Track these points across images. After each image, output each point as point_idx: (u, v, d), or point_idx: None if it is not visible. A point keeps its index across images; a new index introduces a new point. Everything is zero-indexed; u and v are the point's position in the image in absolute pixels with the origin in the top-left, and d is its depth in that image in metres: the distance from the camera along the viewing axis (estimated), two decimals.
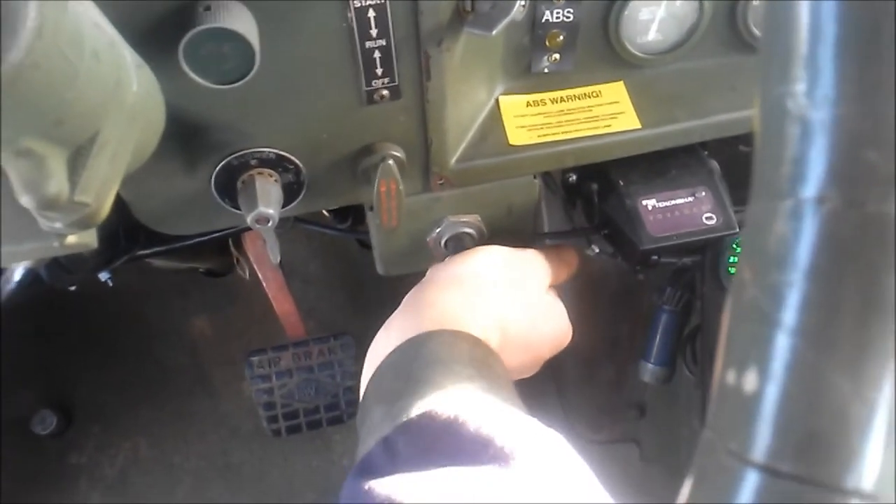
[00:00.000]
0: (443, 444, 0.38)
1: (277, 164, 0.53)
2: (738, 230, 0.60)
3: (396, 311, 0.54)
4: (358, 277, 1.53)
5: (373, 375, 0.48)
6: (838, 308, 0.20)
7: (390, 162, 0.53)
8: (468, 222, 0.63)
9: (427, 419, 0.40)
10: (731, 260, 0.81)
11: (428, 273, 0.61)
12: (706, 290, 0.88)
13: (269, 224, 0.51)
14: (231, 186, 0.53)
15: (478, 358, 0.47)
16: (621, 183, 0.63)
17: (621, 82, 0.60)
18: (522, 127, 0.58)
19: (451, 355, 0.46)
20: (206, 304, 1.52)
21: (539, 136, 0.58)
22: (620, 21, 0.56)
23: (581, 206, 0.72)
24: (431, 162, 0.56)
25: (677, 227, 0.60)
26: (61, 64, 0.29)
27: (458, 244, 0.63)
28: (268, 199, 0.51)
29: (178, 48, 0.41)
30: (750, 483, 0.21)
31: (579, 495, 0.37)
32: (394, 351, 0.48)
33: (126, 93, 0.36)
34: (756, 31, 0.58)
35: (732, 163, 0.65)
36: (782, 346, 0.21)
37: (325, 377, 1.21)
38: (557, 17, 0.55)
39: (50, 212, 0.34)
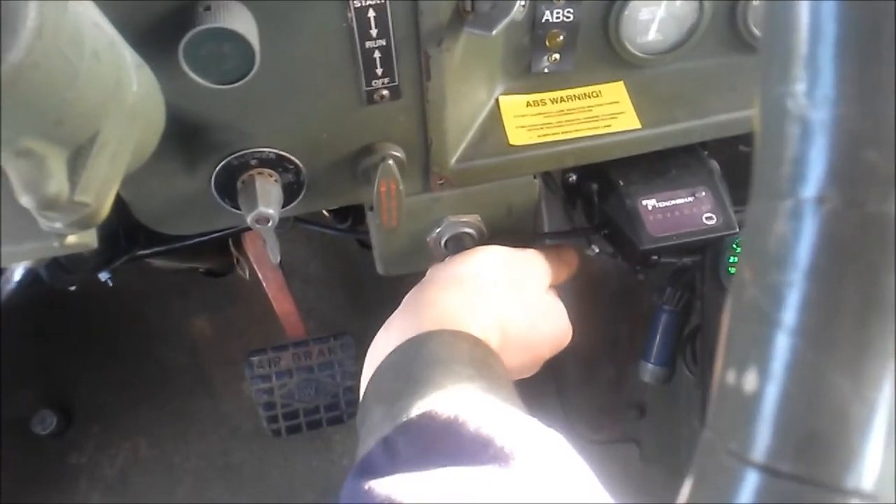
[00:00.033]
0: (443, 444, 0.38)
1: (277, 164, 0.53)
2: (738, 230, 0.60)
3: (396, 312, 0.54)
4: (358, 277, 1.53)
5: (373, 375, 0.48)
6: (838, 308, 0.20)
7: (390, 162, 0.53)
8: (468, 222, 0.63)
9: (427, 419, 0.40)
10: (731, 260, 0.81)
11: (428, 273, 0.61)
12: (706, 290, 0.88)
13: (269, 224, 0.51)
14: (231, 186, 0.53)
15: (478, 358, 0.47)
16: (621, 183, 0.63)
17: (621, 82, 0.60)
18: (522, 127, 0.58)
19: (451, 355, 0.46)
20: (206, 304, 1.52)
21: (539, 136, 0.58)
22: (620, 21, 0.56)
23: (581, 206, 0.72)
24: (431, 162, 0.56)
25: (677, 227, 0.60)
26: (61, 64, 0.29)
27: (458, 244, 0.63)
28: (268, 199, 0.51)
29: (178, 48, 0.41)
30: (750, 483, 0.21)
31: (579, 495, 0.37)
32: (394, 351, 0.48)
33: (126, 93, 0.36)
34: (756, 31, 0.58)
35: (732, 163, 0.65)
36: (782, 346, 0.21)
37: (325, 377, 1.21)
38: (557, 17, 0.55)
39: (50, 212, 0.34)
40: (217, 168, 0.52)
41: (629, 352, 1.20)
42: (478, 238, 0.64)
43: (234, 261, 1.15)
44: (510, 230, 0.65)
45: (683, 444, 1.11)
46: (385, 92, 0.50)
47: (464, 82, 0.54)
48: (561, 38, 0.56)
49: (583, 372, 1.33)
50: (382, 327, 0.53)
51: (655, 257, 0.62)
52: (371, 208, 0.60)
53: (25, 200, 0.33)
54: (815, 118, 0.20)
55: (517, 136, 0.58)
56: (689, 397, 1.04)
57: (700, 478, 0.23)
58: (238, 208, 0.53)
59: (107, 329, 1.48)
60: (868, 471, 0.20)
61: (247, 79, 0.43)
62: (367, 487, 0.37)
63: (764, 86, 0.22)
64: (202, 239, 0.76)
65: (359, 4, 0.45)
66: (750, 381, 0.21)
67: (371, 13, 0.46)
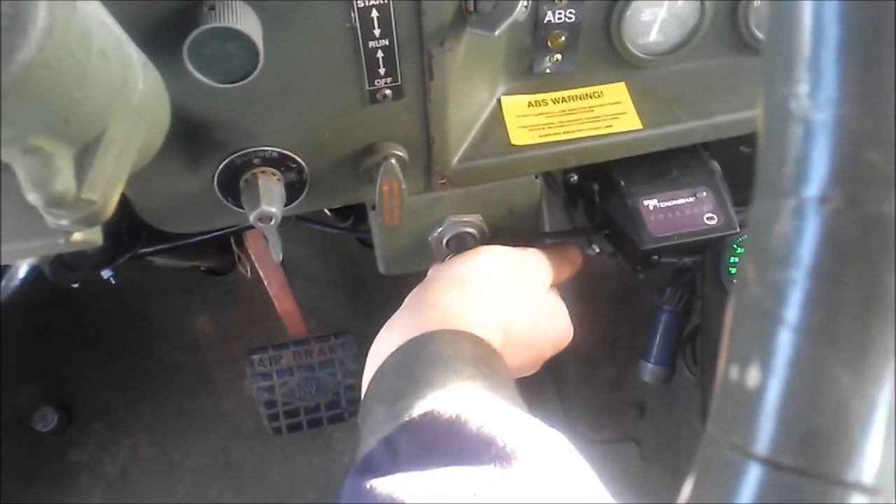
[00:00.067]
0: (444, 443, 0.39)
1: (280, 162, 0.53)
2: (738, 230, 0.61)
3: (398, 311, 0.54)
4: (359, 276, 1.53)
5: (374, 375, 0.48)
6: (840, 305, 0.20)
7: (392, 161, 0.53)
8: (470, 222, 0.63)
9: (429, 419, 0.40)
10: (732, 260, 0.82)
11: (429, 273, 0.61)
12: (706, 291, 0.88)
13: (272, 222, 0.51)
14: (234, 185, 0.53)
15: (480, 357, 0.47)
16: (623, 183, 0.63)
17: (623, 83, 0.60)
18: (524, 127, 0.58)
19: (453, 355, 0.46)
20: (207, 303, 1.52)
21: (541, 136, 0.58)
22: (622, 22, 0.56)
23: (582, 206, 0.72)
24: (433, 161, 0.57)
25: (678, 227, 0.61)
26: (70, 63, 0.29)
27: (460, 244, 0.63)
28: (270, 198, 0.51)
29: (183, 47, 0.41)
30: (752, 476, 0.21)
31: (580, 495, 0.37)
32: (396, 351, 0.48)
33: (132, 91, 0.36)
34: (757, 32, 0.58)
35: (734, 163, 0.65)
36: (784, 342, 0.21)
37: (326, 375, 1.21)
38: (559, 18, 0.55)
39: (57, 209, 0.34)
40: (220, 167, 0.52)
41: (629, 351, 1.20)
42: (479, 238, 0.64)
43: (236, 259, 1.15)
44: (512, 230, 0.65)
45: (683, 443, 1.11)
46: (388, 91, 0.51)
47: (466, 82, 0.54)
48: (563, 38, 0.56)
49: (583, 371, 1.33)
50: (384, 327, 0.53)
51: (656, 257, 0.62)
52: (373, 207, 0.60)
53: (33, 198, 0.33)
54: (818, 119, 0.21)
55: (519, 136, 0.58)
56: (689, 397, 1.05)
57: (703, 471, 0.23)
58: (241, 207, 0.53)
59: (108, 327, 1.48)
60: (868, 465, 0.20)
61: (250, 78, 0.43)
62: (368, 486, 0.37)
63: (767, 87, 0.22)
64: (204, 237, 0.76)
65: (362, 4, 0.46)
66: (753, 376, 0.21)
67: (374, 13, 0.46)
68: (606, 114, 0.59)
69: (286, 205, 0.54)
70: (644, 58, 0.59)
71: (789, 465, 0.21)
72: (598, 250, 0.75)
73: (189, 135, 0.49)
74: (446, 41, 0.49)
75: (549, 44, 0.56)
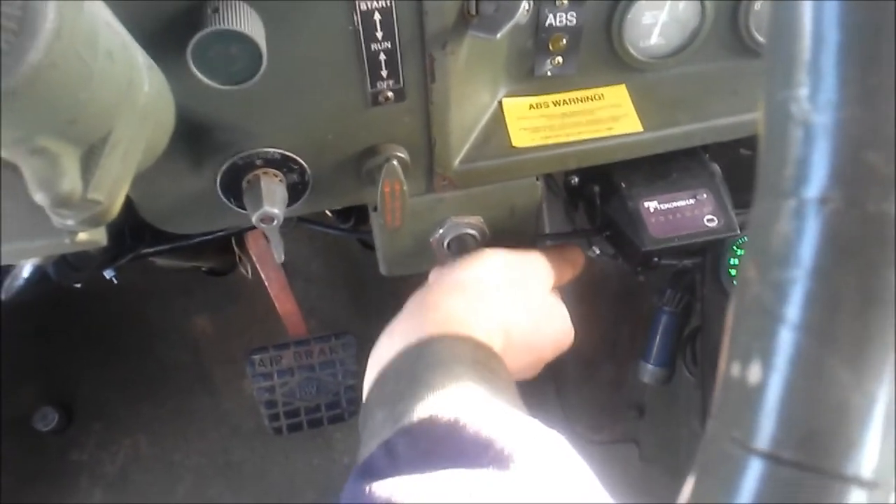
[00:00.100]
0: (443, 446, 0.39)
1: (282, 164, 0.53)
2: (738, 232, 0.61)
3: (399, 316, 0.54)
4: (360, 277, 1.53)
5: (375, 379, 0.49)
6: (839, 303, 0.21)
7: (394, 163, 0.53)
8: (471, 223, 0.63)
9: (428, 423, 0.40)
10: (732, 262, 0.82)
11: (430, 277, 0.61)
12: (706, 292, 0.89)
13: (274, 223, 0.52)
14: (236, 186, 0.53)
15: (480, 361, 0.47)
16: (623, 185, 0.63)
17: (623, 86, 0.60)
18: (525, 129, 0.58)
19: (453, 359, 0.46)
20: (207, 303, 1.52)
21: (542, 139, 0.58)
22: (623, 25, 0.56)
23: (583, 207, 0.72)
24: (435, 163, 0.57)
25: (679, 228, 0.61)
26: (77, 64, 0.30)
27: (461, 245, 0.64)
28: (273, 199, 0.52)
29: (187, 49, 0.41)
30: (753, 470, 0.22)
31: (579, 496, 0.37)
32: (396, 355, 0.48)
33: (138, 93, 0.36)
34: (757, 36, 0.59)
35: (734, 166, 0.65)
36: (785, 339, 0.21)
37: (327, 376, 1.21)
38: (561, 21, 0.55)
39: (63, 209, 0.34)
40: (223, 168, 0.52)
41: (629, 352, 1.20)
42: (480, 239, 0.64)
43: (237, 260, 1.15)
44: (512, 231, 0.65)
45: (683, 444, 1.11)
46: (390, 94, 0.51)
47: (467, 85, 0.55)
48: (564, 41, 0.56)
49: (583, 372, 1.33)
50: (385, 331, 0.53)
51: (657, 259, 0.63)
52: (375, 209, 0.61)
53: (40, 198, 0.33)
54: (818, 122, 0.21)
55: (520, 138, 0.58)
56: (689, 398, 1.05)
57: (705, 465, 0.24)
58: (243, 208, 0.53)
59: (109, 327, 1.48)
60: (867, 459, 0.21)
61: (254, 80, 0.43)
62: (367, 489, 0.37)
63: (768, 90, 0.23)
64: (206, 238, 0.76)
65: (364, 7, 0.46)
66: (754, 373, 0.22)
67: (377, 16, 0.46)
68: (607, 116, 0.59)
69: (288, 206, 0.54)
70: (645, 61, 0.59)
71: (789, 459, 0.21)
72: (598, 252, 0.75)
73: (192, 136, 0.50)
74: (448, 44, 0.49)
75: (551, 47, 0.57)
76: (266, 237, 0.97)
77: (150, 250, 0.79)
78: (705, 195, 0.62)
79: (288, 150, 0.53)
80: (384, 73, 0.50)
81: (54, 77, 0.29)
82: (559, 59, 0.58)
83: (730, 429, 0.22)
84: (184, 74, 0.42)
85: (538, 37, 0.56)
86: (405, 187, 0.54)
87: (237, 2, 0.42)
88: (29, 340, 1.44)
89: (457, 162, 0.58)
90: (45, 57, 0.27)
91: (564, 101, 0.60)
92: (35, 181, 0.33)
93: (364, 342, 0.97)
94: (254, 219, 0.51)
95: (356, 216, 0.91)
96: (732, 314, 0.23)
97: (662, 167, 0.64)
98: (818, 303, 0.21)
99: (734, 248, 0.81)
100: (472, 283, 0.56)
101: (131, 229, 0.74)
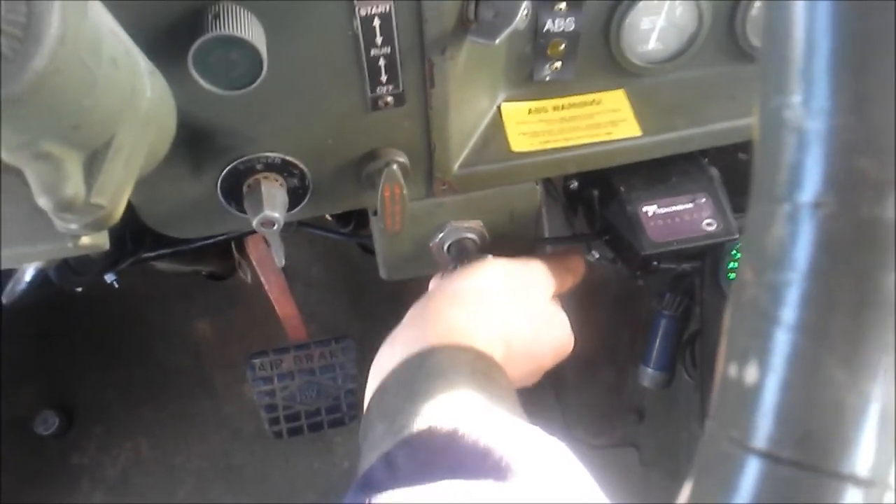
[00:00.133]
0: (443, 457, 0.39)
1: (283, 168, 0.53)
2: (737, 236, 0.61)
3: (400, 326, 0.54)
4: (360, 281, 1.54)
5: (376, 391, 0.48)
6: (834, 305, 0.21)
7: (394, 167, 0.53)
8: (471, 228, 0.64)
9: (427, 434, 0.40)
10: (731, 266, 0.82)
11: (431, 286, 0.61)
12: (705, 296, 0.89)
13: (275, 227, 0.52)
14: (237, 190, 0.53)
15: (480, 371, 0.47)
16: (622, 189, 0.63)
17: (622, 90, 0.61)
18: (524, 134, 0.59)
19: (452, 369, 0.46)
20: (208, 307, 1.52)
21: (541, 143, 0.58)
22: (621, 30, 0.57)
23: (582, 212, 0.72)
24: (435, 167, 0.57)
25: (678, 232, 0.61)
26: (81, 71, 0.30)
27: (461, 249, 0.64)
28: (273, 203, 0.52)
29: (188, 55, 0.41)
30: (751, 469, 0.22)
31: None
32: (397, 366, 0.48)
33: (141, 99, 0.37)
34: (754, 41, 0.59)
35: (732, 170, 0.65)
36: (781, 340, 0.22)
37: (327, 380, 1.21)
38: (559, 27, 0.55)
39: (66, 213, 0.35)
40: (223, 172, 0.52)
41: (629, 356, 1.21)
42: (480, 243, 0.64)
43: (237, 264, 1.15)
44: (512, 236, 0.65)
45: (683, 448, 1.11)
46: (389, 98, 0.51)
47: (467, 89, 0.55)
48: (562, 46, 0.57)
49: (583, 376, 1.33)
50: (386, 341, 0.53)
51: (656, 263, 0.63)
52: (375, 213, 0.61)
53: (43, 202, 0.34)
54: (811, 128, 0.21)
55: (519, 142, 0.58)
56: (689, 401, 1.05)
57: (703, 465, 0.24)
58: (244, 212, 0.54)
59: (109, 331, 1.49)
60: (863, 458, 0.21)
61: (254, 85, 0.44)
62: (367, 502, 0.37)
63: (762, 96, 0.23)
64: (206, 242, 0.77)
65: (364, 13, 0.46)
66: (751, 373, 0.22)
67: (376, 21, 0.47)
68: (606, 121, 0.59)
69: (289, 210, 0.55)
70: (643, 66, 0.59)
71: (787, 458, 0.21)
72: (597, 256, 0.75)
73: (193, 141, 0.50)
74: (447, 49, 0.49)
75: (549, 52, 0.57)
76: (266, 241, 0.97)
77: (151, 254, 0.79)
78: (704, 199, 0.62)
79: (288, 155, 0.53)
80: (384, 77, 0.50)
81: (58, 83, 0.29)
82: (558, 64, 0.58)
83: (728, 429, 0.23)
84: (185, 80, 0.42)
85: (537, 42, 0.57)
86: (405, 191, 0.54)
87: (238, 7, 0.42)
88: (30, 344, 1.44)
89: (456, 166, 0.58)
90: (49, 63, 0.28)
91: (563, 105, 0.60)
92: (39, 185, 0.33)
93: (364, 346, 0.97)
94: (254, 223, 0.52)
95: (356, 220, 0.91)
96: (729, 315, 0.24)
97: (661, 171, 0.64)
98: (813, 304, 0.21)
99: (733, 251, 0.81)
100: (473, 292, 0.56)
101: (132, 233, 0.75)
